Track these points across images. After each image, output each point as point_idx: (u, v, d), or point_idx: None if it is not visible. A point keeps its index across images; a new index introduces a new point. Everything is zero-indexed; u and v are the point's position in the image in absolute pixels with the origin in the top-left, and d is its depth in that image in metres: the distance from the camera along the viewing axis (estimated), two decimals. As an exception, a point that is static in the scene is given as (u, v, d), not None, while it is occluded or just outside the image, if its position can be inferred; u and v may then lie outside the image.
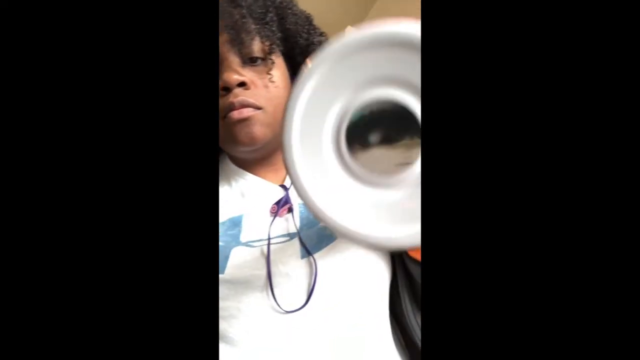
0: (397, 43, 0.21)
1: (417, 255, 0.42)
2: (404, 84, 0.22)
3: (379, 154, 0.22)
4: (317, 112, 0.22)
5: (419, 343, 0.45)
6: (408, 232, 0.22)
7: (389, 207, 0.22)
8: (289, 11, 0.51)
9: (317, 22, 0.57)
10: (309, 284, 0.44)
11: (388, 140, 0.22)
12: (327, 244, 0.45)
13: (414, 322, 0.46)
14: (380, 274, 0.48)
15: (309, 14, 0.55)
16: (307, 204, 0.23)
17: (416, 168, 0.22)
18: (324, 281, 0.44)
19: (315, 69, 0.23)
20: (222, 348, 0.43)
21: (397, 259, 0.48)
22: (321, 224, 0.23)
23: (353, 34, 0.22)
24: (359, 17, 2.31)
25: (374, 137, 0.22)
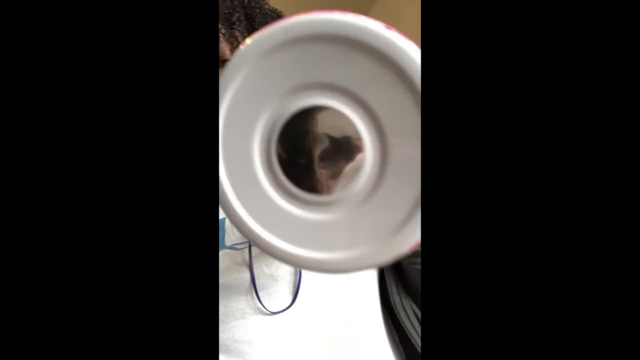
0: (341, 39, 0.18)
1: None
2: (343, 93, 0.19)
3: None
4: (241, 121, 0.20)
5: (411, 334, 0.46)
6: (348, 256, 0.20)
7: (326, 229, 0.20)
8: (258, 10, 0.50)
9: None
10: (294, 284, 0.44)
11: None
12: None
13: (403, 313, 0.46)
14: None
15: (280, 11, 0.53)
16: (239, 228, 0.21)
17: (354, 187, 0.20)
18: (309, 280, 0.44)
19: (236, 69, 0.19)
20: None
21: None
22: (255, 247, 0.21)
23: (285, 22, 0.18)
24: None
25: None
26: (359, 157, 0.19)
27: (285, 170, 0.20)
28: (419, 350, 0.44)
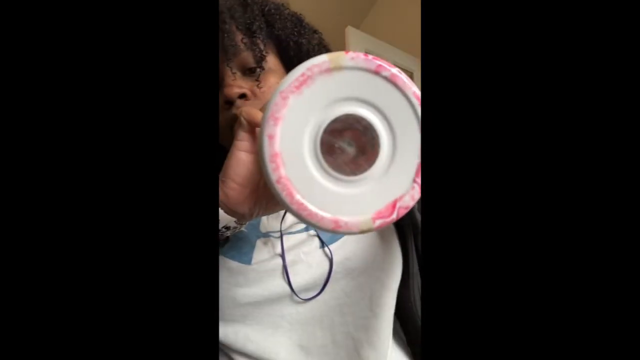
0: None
1: None
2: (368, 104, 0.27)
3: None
4: (295, 126, 0.27)
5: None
6: (364, 219, 0.27)
7: (354, 199, 0.27)
8: (277, 17, 0.52)
9: (316, 22, 0.57)
10: (326, 274, 0.47)
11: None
12: (341, 236, 0.48)
13: (418, 315, 0.47)
14: (394, 265, 0.50)
15: (299, 15, 0.55)
16: (284, 200, 0.27)
17: (374, 170, 0.27)
18: (340, 271, 0.47)
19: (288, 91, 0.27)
20: (243, 329, 0.46)
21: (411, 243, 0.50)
22: (301, 219, 0.27)
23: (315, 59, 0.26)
24: (359, 17, 2.32)
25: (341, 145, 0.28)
26: (378, 147, 0.27)
27: (327, 159, 0.27)
28: None
